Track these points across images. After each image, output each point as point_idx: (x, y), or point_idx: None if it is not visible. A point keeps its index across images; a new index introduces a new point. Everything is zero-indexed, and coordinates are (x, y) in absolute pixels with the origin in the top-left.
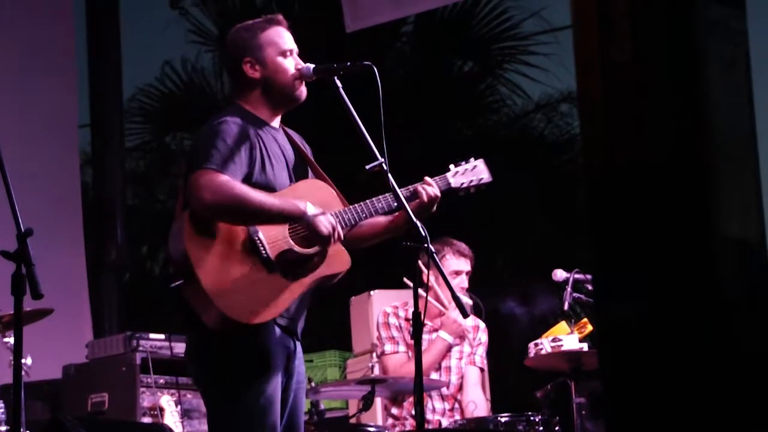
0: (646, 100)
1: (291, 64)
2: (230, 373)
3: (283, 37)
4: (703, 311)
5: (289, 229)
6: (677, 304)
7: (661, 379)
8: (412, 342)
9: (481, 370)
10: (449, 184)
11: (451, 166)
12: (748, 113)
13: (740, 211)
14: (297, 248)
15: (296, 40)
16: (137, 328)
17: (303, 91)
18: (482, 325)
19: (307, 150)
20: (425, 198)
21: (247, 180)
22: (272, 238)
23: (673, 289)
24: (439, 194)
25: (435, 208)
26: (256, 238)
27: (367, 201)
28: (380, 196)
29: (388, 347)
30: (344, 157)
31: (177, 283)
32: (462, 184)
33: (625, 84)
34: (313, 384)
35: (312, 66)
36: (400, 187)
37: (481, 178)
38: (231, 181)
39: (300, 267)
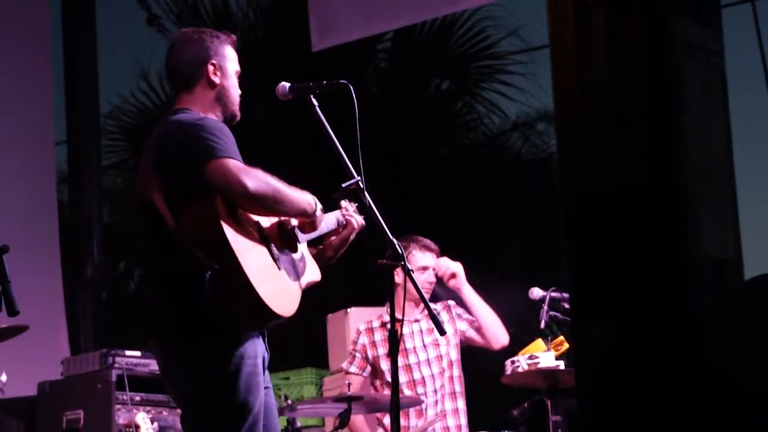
0: (623, 120)
1: (237, 86)
2: (235, 387)
3: (236, 58)
4: (679, 330)
5: (277, 231)
6: (653, 323)
7: (636, 397)
8: (367, 366)
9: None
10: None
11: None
12: (724, 133)
13: (716, 230)
14: (290, 252)
15: (273, 58)
16: (113, 345)
17: (238, 115)
18: (450, 303)
19: None
20: (355, 225)
21: None
22: (273, 237)
23: (650, 309)
24: (363, 224)
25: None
26: (266, 237)
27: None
28: (329, 213)
29: (345, 363)
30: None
31: (212, 269)
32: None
33: (601, 104)
34: (289, 401)
35: (288, 85)
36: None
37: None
38: (260, 170)
39: (294, 270)
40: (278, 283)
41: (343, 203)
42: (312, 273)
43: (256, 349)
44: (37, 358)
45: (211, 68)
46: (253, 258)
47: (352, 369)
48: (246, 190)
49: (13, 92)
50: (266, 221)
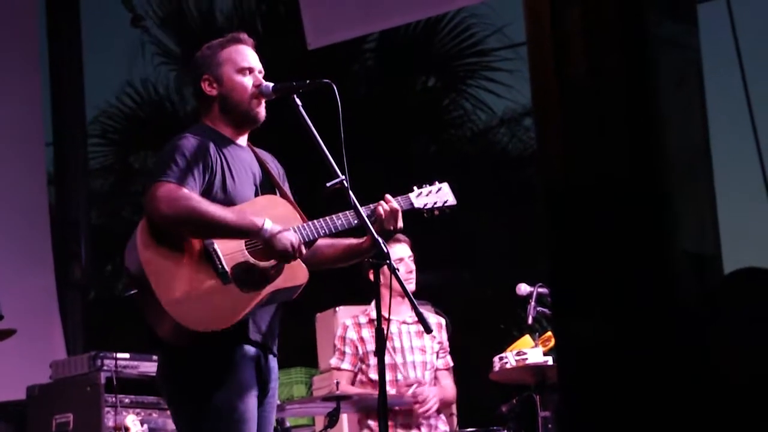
0: (601, 116)
1: (249, 81)
2: (200, 391)
3: (242, 54)
4: (661, 326)
5: (246, 242)
6: (635, 318)
7: (619, 392)
8: (358, 363)
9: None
10: (412, 204)
11: (415, 188)
12: (701, 128)
13: (696, 225)
14: (252, 260)
15: (259, 58)
16: (102, 348)
17: (261, 111)
18: (443, 321)
19: (279, 170)
20: (384, 215)
21: (207, 194)
22: (228, 249)
23: (631, 304)
24: (398, 208)
25: (399, 224)
26: (212, 250)
27: (327, 218)
28: (340, 213)
29: (334, 361)
30: (304, 175)
31: (131, 292)
32: (425, 205)
33: (579, 100)
34: (279, 401)
35: (271, 84)
36: (361, 206)
37: (446, 201)
38: (188, 194)
39: (256, 279)
40: (208, 299)
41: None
42: (289, 278)
43: (244, 353)
44: (27, 362)
45: (205, 84)
46: (171, 279)
47: (345, 366)
48: (160, 215)
49: (1, 96)
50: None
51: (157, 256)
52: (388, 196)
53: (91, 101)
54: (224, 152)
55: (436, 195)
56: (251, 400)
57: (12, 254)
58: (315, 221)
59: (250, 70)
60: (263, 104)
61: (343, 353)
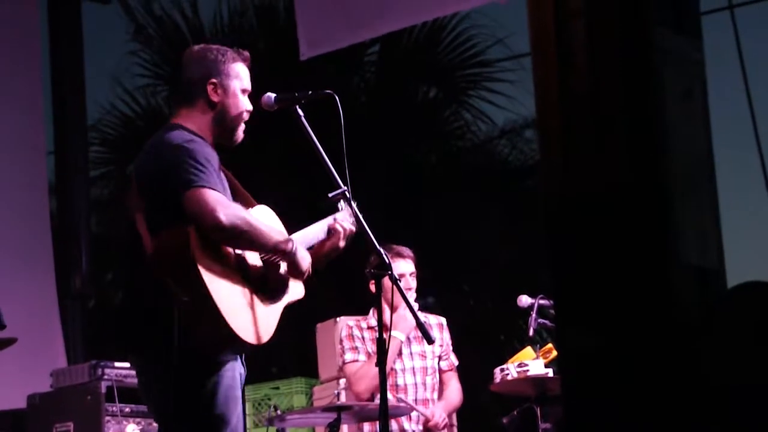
0: (604, 129)
1: (245, 103)
2: (204, 406)
3: (247, 75)
4: (662, 338)
5: (261, 256)
6: (636, 331)
7: (620, 404)
8: (373, 351)
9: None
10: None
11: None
12: (705, 142)
13: (698, 238)
14: (273, 273)
15: (254, 70)
16: (102, 357)
17: (241, 134)
18: (444, 321)
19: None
20: (341, 232)
21: None
22: (251, 264)
23: (633, 317)
24: (351, 229)
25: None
26: (243, 265)
27: (307, 229)
28: (311, 226)
29: (349, 356)
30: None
31: (183, 299)
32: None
33: (583, 114)
34: (279, 411)
35: (273, 95)
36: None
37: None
38: (235, 204)
39: (275, 294)
40: (252, 312)
41: (340, 207)
42: (294, 292)
43: (234, 363)
44: (28, 371)
45: (211, 87)
46: (225, 289)
47: (362, 357)
48: (218, 223)
49: (3, 104)
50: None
51: (210, 263)
52: (337, 216)
53: (92, 108)
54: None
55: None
56: (241, 412)
57: (13, 263)
58: (301, 233)
59: (247, 93)
60: (243, 129)
61: (356, 347)
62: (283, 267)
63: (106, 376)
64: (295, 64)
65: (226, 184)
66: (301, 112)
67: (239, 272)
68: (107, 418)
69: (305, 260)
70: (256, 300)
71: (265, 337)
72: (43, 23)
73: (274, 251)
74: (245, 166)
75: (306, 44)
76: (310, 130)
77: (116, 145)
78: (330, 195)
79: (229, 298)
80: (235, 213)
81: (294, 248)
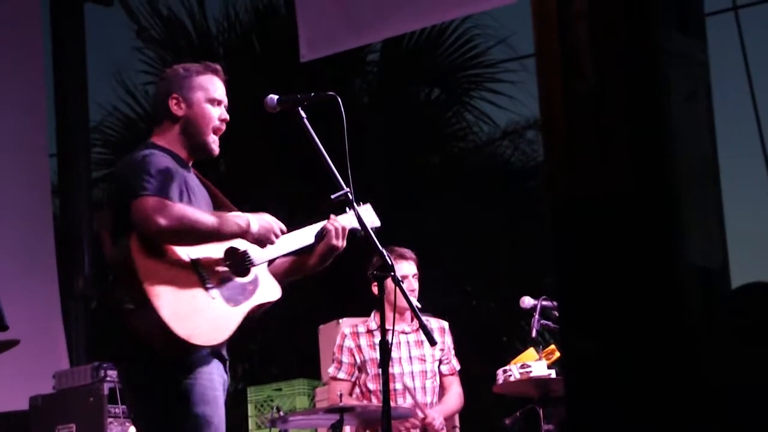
0: (609, 131)
1: (216, 113)
2: (180, 407)
3: (215, 85)
4: (667, 341)
5: (224, 258)
6: (641, 333)
7: (625, 409)
8: (355, 372)
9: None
10: (356, 223)
11: (346, 208)
12: (710, 143)
13: (703, 240)
14: (234, 276)
15: (257, 72)
16: (105, 358)
17: (216, 145)
18: (445, 325)
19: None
20: (333, 232)
21: None
22: (211, 266)
23: (637, 319)
24: (345, 226)
25: (343, 242)
26: (199, 267)
27: (290, 234)
28: (303, 229)
29: (331, 369)
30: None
31: (129, 307)
32: (368, 224)
33: (587, 115)
34: (281, 413)
35: (276, 97)
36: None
37: (373, 222)
38: (179, 205)
39: (237, 295)
40: (204, 313)
41: (347, 211)
42: (266, 293)
43: (210, 366)
44: (32, 372)
45: (173, 102)
46: (169, 294)
47: (341, 375)
48: (159, 228)
49: (6, 106)
50: (206, 250)
51: (152, 271)
52: (332, 215)
53: (94, 110)
54: (180, 171)
55: (366, 214)
56: (222, 413)
57: (16, 264)
58: (284, 236)
59: (219, 102)
60: (217, 141)
61: (340, 362)
62: (259, 266)
63: (108, 378)
64: (297, 65)
65: (204, 192)
66: (303, 114)
67: (195, 273)
68: (110, 419)
69: (268, 224)
70: (210, 300)
71: (221, 337)
72: (46, 24)
73: (230, 236)
74: (248, 168)
75: (306, 46)
76: (313, 131)
77: (118, 147)
78: (333, 197)
79: (174, 303)
80: (174, 214)
81: (247, 224)
